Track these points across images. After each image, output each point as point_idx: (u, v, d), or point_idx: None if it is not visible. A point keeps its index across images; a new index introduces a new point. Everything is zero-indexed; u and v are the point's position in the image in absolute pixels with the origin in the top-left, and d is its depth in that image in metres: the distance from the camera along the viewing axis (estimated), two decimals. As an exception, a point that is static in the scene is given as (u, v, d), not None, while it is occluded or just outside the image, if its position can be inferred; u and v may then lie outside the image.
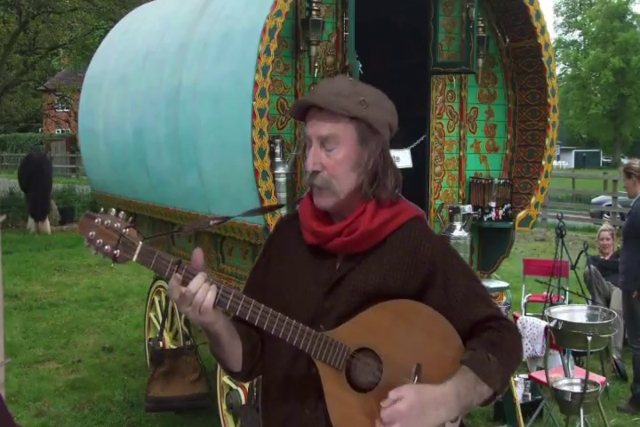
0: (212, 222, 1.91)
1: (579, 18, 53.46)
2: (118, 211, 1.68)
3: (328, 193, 1.79)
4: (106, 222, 1.64)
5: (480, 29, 4.27)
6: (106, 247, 1.64)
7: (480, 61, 4.31)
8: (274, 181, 3.66)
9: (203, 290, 1.65)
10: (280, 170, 3.74)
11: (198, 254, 1.71)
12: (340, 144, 1.76)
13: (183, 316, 4.67)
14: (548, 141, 4.42)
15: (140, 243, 1.65)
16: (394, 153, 4.39)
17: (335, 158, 1.77)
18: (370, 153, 1.78)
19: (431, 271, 1.80)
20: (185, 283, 1.65)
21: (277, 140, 3.80)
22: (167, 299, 5.06)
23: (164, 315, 5.06)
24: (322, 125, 1.76)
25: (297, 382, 1.81)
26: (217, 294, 1.67)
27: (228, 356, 1.83)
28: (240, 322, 1.83)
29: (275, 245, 1.97)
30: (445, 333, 1.77)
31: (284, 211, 3.38)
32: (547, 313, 4.69)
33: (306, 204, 1.88)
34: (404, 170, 4.46)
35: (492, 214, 4.44)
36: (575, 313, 4.72)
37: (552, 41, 4.97)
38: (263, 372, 1.94)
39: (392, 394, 1.64)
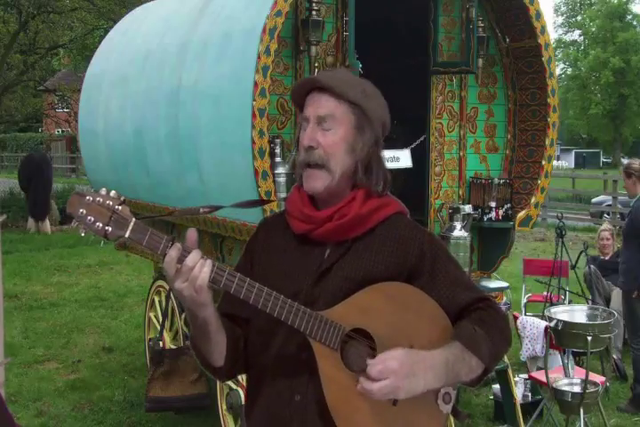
0: (202, 210, 1.90)
1: (579, 18, 53.42)
2: (109, 190, 1.64)
3: (323, 172, 1.79)
4: (97, 200, 1.59)
5: (480, 29, 4.28)
6: (97, 224, 1.58)
7: (480, 61, 4.32)
8: (274, 181, 3.66)
9: (199, 265, 1.62)
10: (280, 170, 3.74)
11: (192, 233, 1.68)
12: (338, 126, 1.78)
13: (183, 316, 4.67)
14: (547, 141, 4.42)
15: (134, 219, 1.61)
16: (394, 153, 4.42)
17: (332, 138, 1.78)
18: (364, 141, 1.80)
19: (419, 259, 1.82)
20: (180, 260, 1.62)
21: (277, 141, 3.80)
22: (167, 299, 5.06)
23: (164, 315, 5.05)
24: (323, 104, 1.78)
25: (287, 368, 1.80)
26: (212, 269, 1.64)
27: (212, 348, 1.80)
28: (224, 317, 1.82)
29: (260, 244, 1.97)
30: (435, 315, 1.79)
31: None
32: (547, 313, 4.69)
33: (294, 195, 1.89)
34: (404, 170, 4.49)
35: (492, 214, 4.44)
36: (575, 313, 4.72)
37: (552, 41, 4.97)
38: (251, 366, 1.92)
39: (382, 354, 1.65)
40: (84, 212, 1.59)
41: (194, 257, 1.62)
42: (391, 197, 1.90)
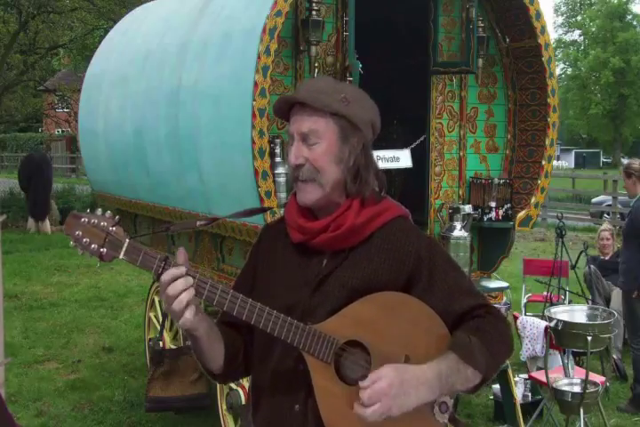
0: (198, 223, 1.92)
1: (579, 18, 53.41)
2: (105, 210, 1.69)
3: (314, 185, 1.80)
4: (92, 221, 1.65)
5: (480, 29, 4.27)
6: (92, 246, 1.64)
7: (480, 61, 4.32)
8: (274, 181, 3.66)
9: (178, 293, 1.64)
10: (280, 170, 3.74)
11: (181, 253, 1.70)
12: (322, 139, 1.79)
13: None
14: (547, 141, 4.42)
15: (127, 240, 1.65)
16: (394, 153, 4.42)
17: (317, 152, 1.79)
18: (351, 149, 1.80)
19: (417, 265, 1.81)
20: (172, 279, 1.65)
21: (277, 141, 3.80)
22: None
23: (164, 315, 5.05)
24: (304, 121, 1.79)
25: (286, 379, 1.81)
26: (191, 298, 1.65)
27: (208, 359, 1.85)
28: (225, 326, 1.84)
29: (262, 251, 1.97)
30: (432, 324, 1.77)
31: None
32: (547, 313, 4.69)
33: (291, 204, 1.89)
34: (404, 170, 4.49)
35: (492, 214, 4.44)
36: (575, 313, 4.72)
37: (552, 41, 4.97)
38: (252, 373, 1.94)
39: (372, 375, 1.64)
40: (80, 234, 1.65)
41: (174, 286, 1.64)
42: (390, 201, 1.89)
